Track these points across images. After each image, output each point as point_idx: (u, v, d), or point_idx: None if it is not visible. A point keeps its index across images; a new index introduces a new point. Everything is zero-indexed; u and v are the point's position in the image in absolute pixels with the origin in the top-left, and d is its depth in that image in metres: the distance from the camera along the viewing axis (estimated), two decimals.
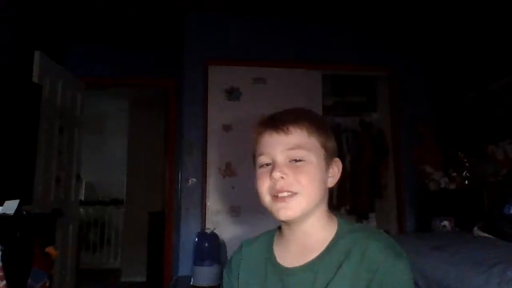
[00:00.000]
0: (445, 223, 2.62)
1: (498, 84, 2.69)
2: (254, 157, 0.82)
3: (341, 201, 3.49)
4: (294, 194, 0.75)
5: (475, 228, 2.06)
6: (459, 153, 2.95)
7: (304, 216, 0.77)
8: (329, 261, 0.74)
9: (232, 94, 3.10)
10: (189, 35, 3.16)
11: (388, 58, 3.38)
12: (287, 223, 0.79)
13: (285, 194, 0.75)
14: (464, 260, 1.53)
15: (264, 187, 0.77)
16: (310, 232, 0.79)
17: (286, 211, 0.75)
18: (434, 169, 3.04)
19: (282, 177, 0.75)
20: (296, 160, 0.76)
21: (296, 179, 0.75)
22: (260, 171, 0.79)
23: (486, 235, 1.94)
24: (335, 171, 0.82)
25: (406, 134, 3.27)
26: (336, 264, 0.73)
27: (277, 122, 0.78)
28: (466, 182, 2.81)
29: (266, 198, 0.77)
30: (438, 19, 3.20)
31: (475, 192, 2.56)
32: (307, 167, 0.76)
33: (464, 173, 2.84)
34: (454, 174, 2.88)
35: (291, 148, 0.76)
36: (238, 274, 0.84)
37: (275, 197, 0.76)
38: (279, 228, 0.85)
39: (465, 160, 2.89)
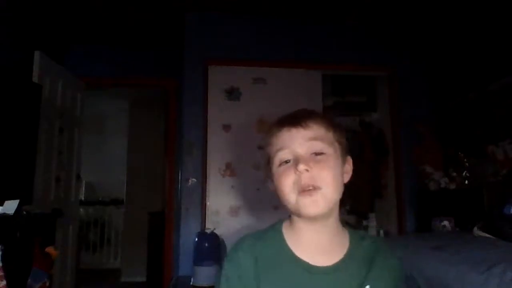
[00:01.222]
0: (445, 223, 2.62)
1: (498, 84, 2.69)
2: (269, 158, 0.81)
3: (341, 201, 3.48)
4: (318, 188, 0.75)
5: (475, 228, 2.05)
6: (459, 153, 2.95)
7: (329, 212, 0.78)
8: (356, 264, 0.78)
9: (232, 94, 3.10)
10: (189, 35, 3.16)
11: (388, 58, 3.38)
12: (311, 220, 0.78)
13: (311, 188, 0.74)
14: (464, 260, 1.53)
15: (288, 183, 0.76)
16: (331, 231, 0.81)
17: (314, 207, 0.75)
18: (434, 169, 3.03)
19: (307, 170, 0.75)
20: (316, 154, 0.76)
21: (319, 173, 0.75)
22: (280, 169, 0.78)
23: (486, 235, 1.94)
24: (348, 168, 0.84)
25: (406, 134, 3.27)
26: (364, 267, 0.78)
27: (295, 118, 0.79)
28: (466, 182, 2.81)
29: (292, 197, 0.76)
30: (438, 19, 3.20)
31: (475, 192, 2.56)
32: (328, 161, 0.77)
33: (464, 173, 2.84)
34: (454, 174, 2.88)
35: (311, 139, 0.77)
36: (258, 279, 0.77)
37: (300, 192, 0.75)
38: (284, 221, 0.85)
39: (465, 160, 2.89)
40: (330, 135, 0.79)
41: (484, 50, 2.86)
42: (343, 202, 0.86)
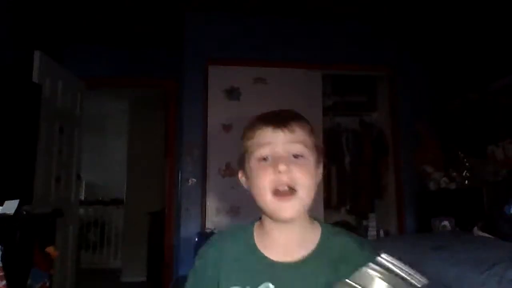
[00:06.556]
0: (445, 223, 2.61)
1: (498, 84, 2.69)
2: (247, 151, 0.80)
3: (341, 201, 3.49)
4: (294, 191, 0.74)
5: (475, 228, 2.06)
6: (459, 153, 2.95)
7: (299, 215, 0.77)
8: (324, 260, 0.77)
9: (232, 94, 3.10)
10: (189, 35, 3.16)
11: (388, 58, 3.38)
12: (282, 222, 0.78)
13: (286, 188, 0.74)
14: (464, 260, 1.53)
15: (265, 181, 0.75)
16: (300, 230, 0.79)
17: (290, 212, 0.74)
18: (434, 169, 3.03)
19: (286, 170, 0.74)
20: (295, 156, 0.76)
21: (297, 176, 0.74)
22: (259, 165, 0.77)
23: (486, 235, 1.94)
24: (319, 173, 0.83)
25: (406, 134, 3.27)
26: (332, 264, 0.76)
27: (281, 119, 0.79)
28: (466, 182, 2.81)
29: (267, 196, 0.75)
30: (438, 19, 3.20)
31: (475, 192, 2.56)
32: (307, 165, 0.77)
33: (464, 173, 2.84)
34: (454, 174, 2.88)
35: (294, 142, 0.76)
36: (218, 271, 0.80)
37: (275, 192, 0.74)
38: (256, 222, 0.85)
39: (465, 160, 2.89)
40: (311, 139, 0.79)
41: (484, 50, 2.86)
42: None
